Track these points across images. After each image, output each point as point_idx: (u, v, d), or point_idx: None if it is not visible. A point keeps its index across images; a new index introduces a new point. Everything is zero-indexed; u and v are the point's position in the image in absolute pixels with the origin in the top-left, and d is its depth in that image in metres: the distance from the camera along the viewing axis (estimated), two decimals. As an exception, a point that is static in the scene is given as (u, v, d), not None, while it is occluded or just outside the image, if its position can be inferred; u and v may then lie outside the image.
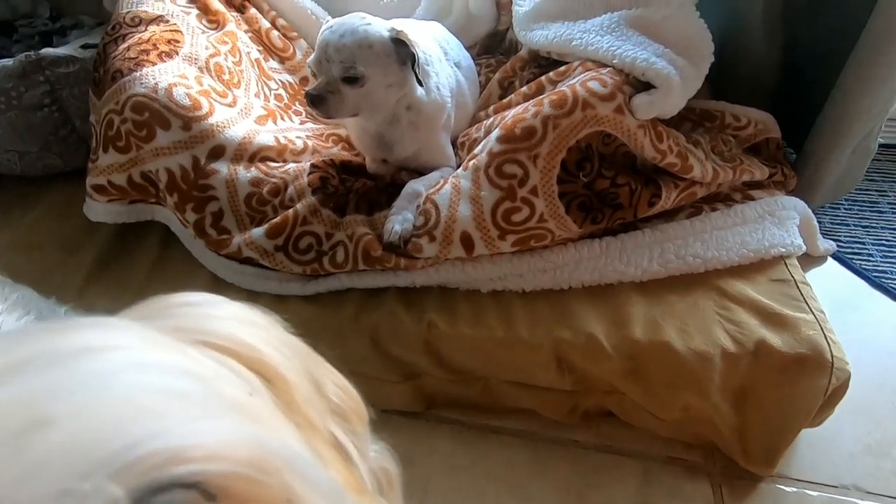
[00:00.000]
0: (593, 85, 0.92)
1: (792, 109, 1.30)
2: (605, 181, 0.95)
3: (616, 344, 0.89)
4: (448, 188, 0.99)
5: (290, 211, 1.00)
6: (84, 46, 1.31)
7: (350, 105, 0.96)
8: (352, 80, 0.93)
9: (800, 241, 1.05)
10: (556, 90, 0.95)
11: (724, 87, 1.34)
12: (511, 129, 0.93)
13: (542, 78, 1.10)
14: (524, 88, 1.14)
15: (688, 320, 0.94)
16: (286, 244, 0.99)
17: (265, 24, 1.41)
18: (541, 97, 0.95)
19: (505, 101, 1.18)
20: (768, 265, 1.02)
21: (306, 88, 0.95)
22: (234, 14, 1.36)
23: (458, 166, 1.11)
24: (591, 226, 0.98)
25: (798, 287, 0.96)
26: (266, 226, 0.99)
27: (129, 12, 1.10)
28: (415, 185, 1.03)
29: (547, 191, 0.93)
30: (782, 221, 1.08)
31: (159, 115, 0.96)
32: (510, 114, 1.01)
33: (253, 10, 1.39)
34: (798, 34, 1.26)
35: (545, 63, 1.20)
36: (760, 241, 1.03)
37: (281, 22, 1.45)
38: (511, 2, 1.47)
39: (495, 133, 0.96)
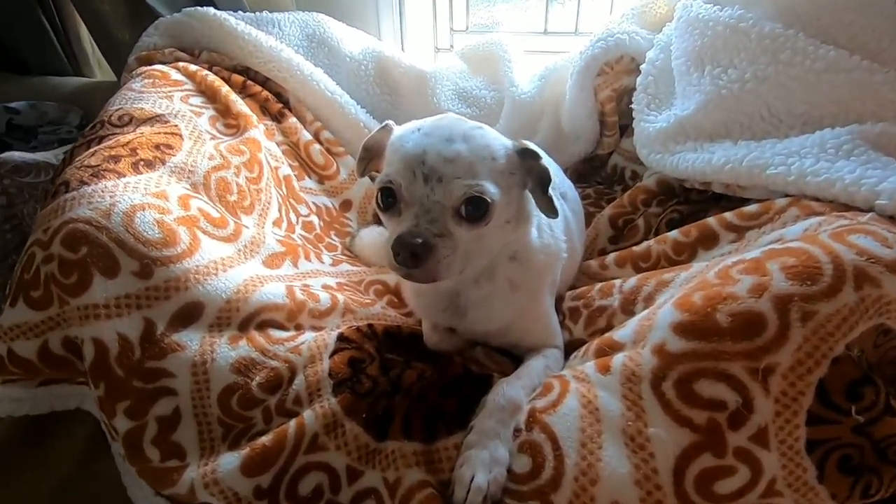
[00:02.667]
0: (865, 243, 0.50)
1: None
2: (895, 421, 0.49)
3: None
4: (574, 405, 0.54)
5: (293, 423, 0.57)
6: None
7: (462, 255, 0.56)
8: (477, 210, 0.55)
9: None
10: (782, 246, 0.53)
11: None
12: (707, 312, 0.50)
13: (711, 220, 0.70)
14: (674, 234, 0.74)
15: None
16: (276, 487, 0.55)
17: (306, 136, 1.12)
18: (753, 257, 0.54)
19: (638, 248, 0.78)
20: None
21: (399, 231, 0.54)
22: (269, 122, 1.07)
23: (568, 350, 0.69)
24: (858, 501, 0.50)
25: None
26: (246, 449, 0.56)
27: (119, 109, 0.80)
28: (509, 390, 0.59)
29: (786, 437, 0.47)
30: None
31: (104, 252, 0.59)
32: (680, 278, 0.60)
33: (293, 120, 1.11)
34: None
35: (698, 198, 0.81)
36: None
37: (326, 135, 1.16)
38: (617, 121, 1.16)
39: (667, 314, 0.53)
